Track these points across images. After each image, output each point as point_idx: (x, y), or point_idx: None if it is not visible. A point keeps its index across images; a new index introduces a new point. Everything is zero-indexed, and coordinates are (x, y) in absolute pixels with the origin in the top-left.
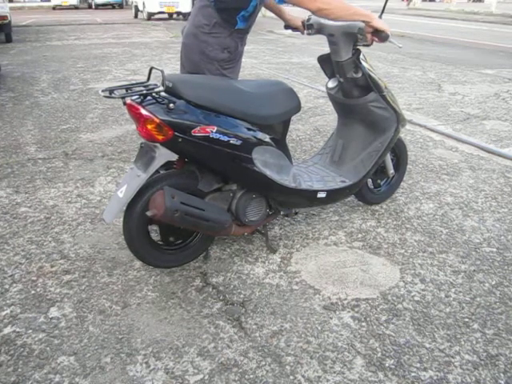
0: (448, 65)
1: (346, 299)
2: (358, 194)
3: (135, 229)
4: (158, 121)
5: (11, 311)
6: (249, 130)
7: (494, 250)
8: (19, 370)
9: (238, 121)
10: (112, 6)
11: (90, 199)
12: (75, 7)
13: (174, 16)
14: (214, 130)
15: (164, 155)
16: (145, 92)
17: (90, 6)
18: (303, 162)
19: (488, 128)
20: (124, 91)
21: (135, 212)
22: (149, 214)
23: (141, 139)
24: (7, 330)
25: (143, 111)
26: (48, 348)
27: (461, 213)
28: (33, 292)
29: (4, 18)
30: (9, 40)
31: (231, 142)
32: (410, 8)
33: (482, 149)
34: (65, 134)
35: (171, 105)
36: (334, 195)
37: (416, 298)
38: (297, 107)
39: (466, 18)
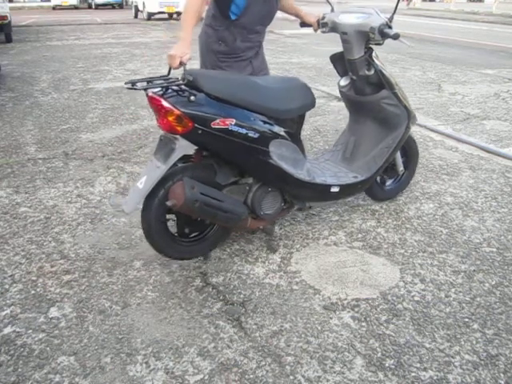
0: (448, 65)
1: (346, 299)
2: (367, 190)
3: (154, 219)
4: (178, 113)
5: (11, 311)
6: (266, 123)
7: (494, 250)
8: (19, 370)
9: (255, 114)
10: (112, 6)
11: (90, 199)
12: (75, 7)
13: (174, 16)
14: (233, 123)
15: (183, 147)
16: (166, 84)
17: (89, 6)
18: (315, 158)
19: (488, 128)
20: (145, 84)
21: (154, 203)
22: (169, 203)
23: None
24: (7, 330)
25: (164, 103)
26: (48, 348)
27: (461, 213)
28: (33, 292)
29: (4, 18)
30: (9, 40)
31: (249, 134)
32: (409, 8)
33: (482, 149)
34: (65, 134)
35: (192, 97)
36: (347, 190)
37: (416, 298)
38: (312, 103)
39: (465, 18)
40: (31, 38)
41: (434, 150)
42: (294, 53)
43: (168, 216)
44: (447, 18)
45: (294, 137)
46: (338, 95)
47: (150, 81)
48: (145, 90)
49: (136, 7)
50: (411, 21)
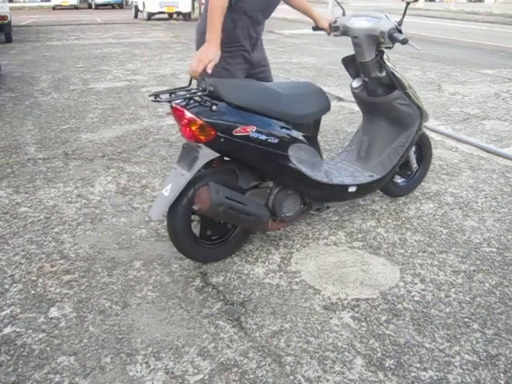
0: (448, 65)
1: (346, 299)
2: (382, 187)
3: (179, 224)
4: (201, 122)
5: (11, 311)
6: (284, 128)
7: (494, 250)
8: (19, 370)
9: (274, 120)
10: (112, 6)
11: (90, 199)
12: (75, 7)
13: (174, 16)
14: (254, 130)
15: (207, 154)
16: (188, 96)
17: (89, 6)
18: (331, 159)
19: (488, 128)
20: (168, 95)
21: (180, 208)
22: (195, 207)
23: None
24: (7, 330)
25: (187, 113)
26: (48, 348)
27: (461, 213)
28: (33, 292)
29: (4, 18)
30: (9, 40)
31: (269, 140)
32: (410, 8)
33: (482, 149)
34: (65, 134)
35: (214, 107)
36: (364, 189)
37: (416, 298)
38: (327, 106)
39: (465, 17)
40: (31, 37)
41: (434, 150)
42: (293, 53)
43: (192, 217)
44: (447, 17)
45: (312, 140)
46: (338, 95)
47: (172, 92)
48: (169, 102)
49: (136, 7)
50: (411, 21)
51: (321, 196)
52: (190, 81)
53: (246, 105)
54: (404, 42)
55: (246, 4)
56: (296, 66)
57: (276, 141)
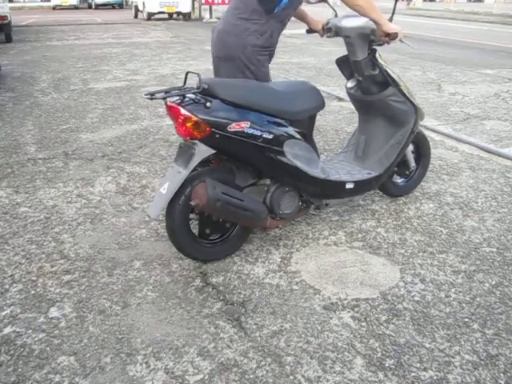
0: (448, 65)
1: (346, 299)
2: (382, 187)
3: (178, 222)
4: (196, 119)
5: (11, 311)
6: (279, 124)
7: (494, 250)
8: (19, 370)
9: (268, 116)
10: (112, 6)
11: (90, 199)
12: (75, 7)
13: (174, 16)
14: (248, 126)
15: (203, 151)
16: (183, 93)
17: (90, 6)
18: (329, 160)
19: (488, 128)
20: (163, 94)
21: (178, 206)
22: (192, 203)
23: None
24: (7, 330)
25: (182, 111)
26: (48, 348)
27: (461, 213)
28: (33, 292)
29: (4, 18)
30: (9, 40)
31: (264, 136)
32: (410, 8)
33: (482, 149)
34: (65, 134)
35: (208, 104)
36: (361, 186)
37: (416, 298)
38: (321, 104)
39: (465, 18)
40: (31, 37)
41: (434, 150)
42: (293, 53)
43: (191, 216)
44: (447, 18)
45: (307, 137)
46: (338, 95)
47: (167, 91)
48: (163, 99)
49: (136, 7)
50: (411, 21)
51: (318, 192)
52: (185, 80)
53: (240, 101)
54: (393, 37)
55: (285, 13)
56: (296, 65)
57: (271, 136)
